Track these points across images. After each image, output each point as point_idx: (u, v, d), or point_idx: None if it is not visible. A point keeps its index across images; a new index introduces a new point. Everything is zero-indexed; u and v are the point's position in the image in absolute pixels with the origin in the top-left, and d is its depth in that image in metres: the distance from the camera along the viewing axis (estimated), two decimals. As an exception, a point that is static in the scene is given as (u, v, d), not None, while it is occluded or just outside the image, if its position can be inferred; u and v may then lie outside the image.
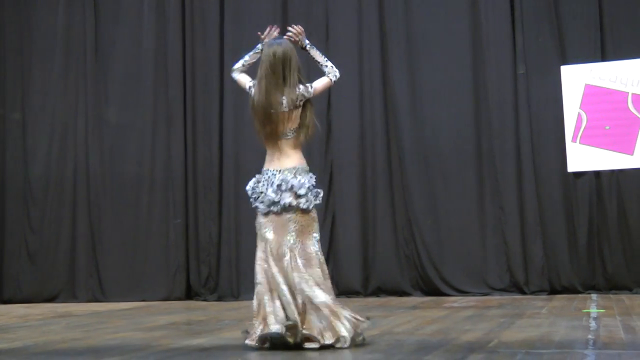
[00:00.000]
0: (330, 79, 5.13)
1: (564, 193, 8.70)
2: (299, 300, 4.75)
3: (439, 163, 9.07)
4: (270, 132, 5.01)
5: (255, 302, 4.88)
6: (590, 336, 5.07)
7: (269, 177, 5.01)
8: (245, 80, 5.20)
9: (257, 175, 5.10)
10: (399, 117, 9.16)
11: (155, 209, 9.74)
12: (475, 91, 9.02)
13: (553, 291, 8.57)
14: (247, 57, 5.27)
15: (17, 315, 8.18)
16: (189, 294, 9.61)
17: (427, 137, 9.12)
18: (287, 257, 4.84)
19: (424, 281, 8.96)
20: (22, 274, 9.95)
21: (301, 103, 5.01)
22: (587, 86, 8.67)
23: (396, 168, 9.14)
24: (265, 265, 4.88)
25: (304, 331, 4.69)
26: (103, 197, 9.88)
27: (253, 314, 4.87)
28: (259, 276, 4.88)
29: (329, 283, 4.91)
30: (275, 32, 5.22)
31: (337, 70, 5.15)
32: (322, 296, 4.77)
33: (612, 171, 8.57)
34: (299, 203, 4.92)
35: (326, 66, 5.14)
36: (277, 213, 4.93)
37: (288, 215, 4.92)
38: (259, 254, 4.93)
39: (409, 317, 6.62)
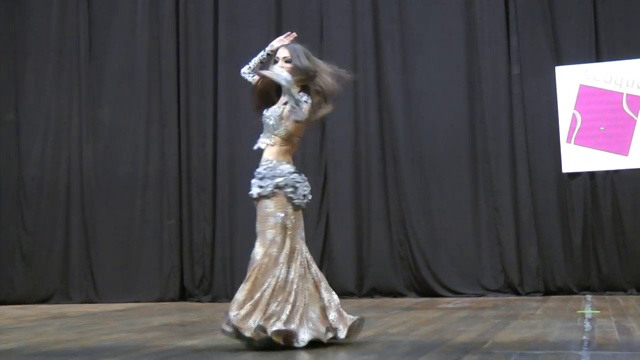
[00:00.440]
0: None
1: (559, 194, 8.70)
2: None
3: (433, 163, 9.07)
4: None
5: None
6: (584, 337, 5.07)
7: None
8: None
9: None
10: (394, 118, 9.16)
11: (149, 209, 9.72)
12: (470, 92, 9.02)
13: (548, 292, 8.57)
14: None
15: (10, 316, 8.15)
16: (183, 295, 9.59)
17: (422, 137, 9.11)
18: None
19: (419, 282, 8.95)
20: (15, 275, 9.92)
21: None
22: (582, 87, 8.67)
23: (390, 168, 9.13)
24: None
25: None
26: (97, 197, 9.85)
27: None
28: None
29: None
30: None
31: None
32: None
33: (607, 172, 8.57)
34: None
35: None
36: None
37: None
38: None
39: (404, 318, 6.61)
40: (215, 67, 9.64)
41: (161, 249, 9.63)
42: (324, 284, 5.02)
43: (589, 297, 8.20)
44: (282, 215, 4.93)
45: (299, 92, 5.02)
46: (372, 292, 9.05)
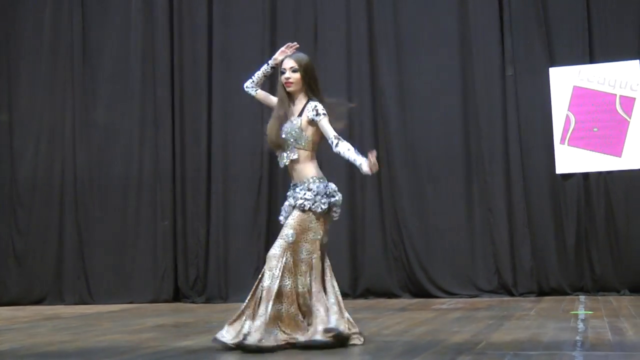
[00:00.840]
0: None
1: (552, 195, 8.71)
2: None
3: (427, 165, 9.07)
4: None
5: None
6: (578, 337, 5.08)
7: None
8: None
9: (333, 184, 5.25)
10: (388, 119, 9.15)
11: (143, 210, 9.70)
12: (464, 93, 9.02)
13: (541, 293, 8.58)
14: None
15: (3, 317, 8.14)
16: (177, 296, 9.57)
17: (416, 139, 9.11)
18: None
19: (413, 283, 8.95)
20: (9, 276, 9.90)
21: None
22: (576, 88, 8.69)
23: (385, 170, 9.11)
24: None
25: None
26: (90, 198, 9.83)
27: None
28: None
29: None
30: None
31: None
32: None
33: (600, 173, 8.58)
34: None
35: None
36: None
37: None
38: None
39: (398, 319, 6.61)
40: (209, 68, 9.61)
41: (155, 250, 9.61)
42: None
43: (582, 297, 8.21)
44: (323, 234, 5.21)
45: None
46: (366, 293, 9.04)
